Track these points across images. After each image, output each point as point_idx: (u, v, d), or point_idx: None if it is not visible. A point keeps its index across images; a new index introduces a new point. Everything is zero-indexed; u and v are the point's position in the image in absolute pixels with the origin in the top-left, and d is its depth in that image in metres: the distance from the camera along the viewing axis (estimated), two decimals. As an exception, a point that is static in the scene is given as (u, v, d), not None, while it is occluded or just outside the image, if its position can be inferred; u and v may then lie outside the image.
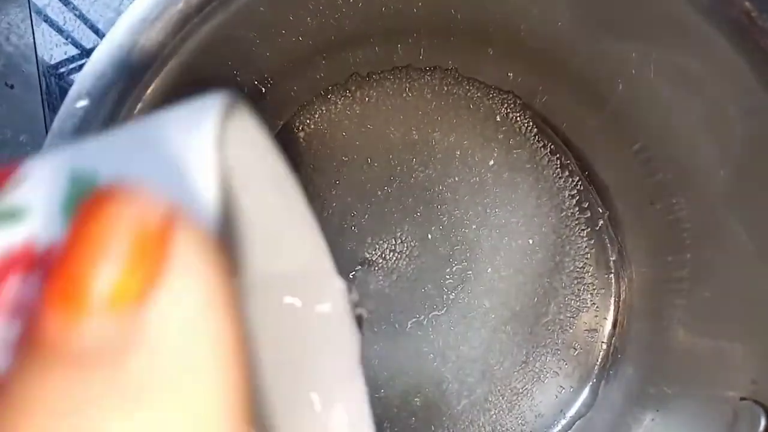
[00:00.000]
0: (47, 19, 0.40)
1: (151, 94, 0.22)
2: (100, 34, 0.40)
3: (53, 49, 0.40)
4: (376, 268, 0.36)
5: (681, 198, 0.32)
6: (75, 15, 0.40)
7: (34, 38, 0.40)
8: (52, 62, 0.40)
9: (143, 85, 0.21)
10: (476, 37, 0.34)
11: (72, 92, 0.20)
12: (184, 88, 0.25)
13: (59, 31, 0.40)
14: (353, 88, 0.36)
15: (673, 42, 0.27)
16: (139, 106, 0.22)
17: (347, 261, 0.36)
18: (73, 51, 0.40)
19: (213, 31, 0.23)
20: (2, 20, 0.42)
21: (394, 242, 0.36)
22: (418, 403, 0.35)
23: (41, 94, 0.39)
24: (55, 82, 0.40)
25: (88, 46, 0.40)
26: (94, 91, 0.20)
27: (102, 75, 0.21)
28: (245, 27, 0.26)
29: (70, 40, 0.40)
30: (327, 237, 0.15)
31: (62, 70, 0.40)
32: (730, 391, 0.27)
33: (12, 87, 0.41)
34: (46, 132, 0.40)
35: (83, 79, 0.20)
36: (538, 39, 0.33)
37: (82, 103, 0.20)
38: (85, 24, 0.40)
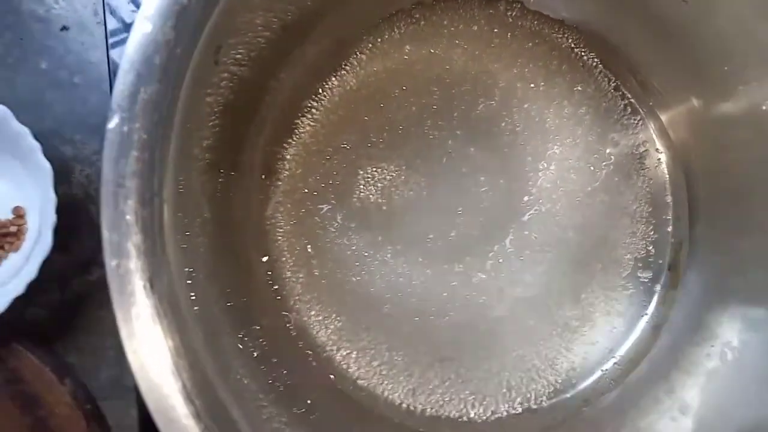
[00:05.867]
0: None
1: None
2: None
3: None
4: (430, 198, 0.35)
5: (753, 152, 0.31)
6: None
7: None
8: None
9: None
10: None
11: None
12: None
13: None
14: (417, 15, 0.36)
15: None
16: None
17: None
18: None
19: None
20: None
21: (451, 172, 0.35)
22: (469, 339, 0.35)
23: (105, 36, 0.38)
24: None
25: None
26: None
27: None
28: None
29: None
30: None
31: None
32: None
33: (67, 29, 0.41)
34: (109, 73, 0.39)
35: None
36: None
37: None
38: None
